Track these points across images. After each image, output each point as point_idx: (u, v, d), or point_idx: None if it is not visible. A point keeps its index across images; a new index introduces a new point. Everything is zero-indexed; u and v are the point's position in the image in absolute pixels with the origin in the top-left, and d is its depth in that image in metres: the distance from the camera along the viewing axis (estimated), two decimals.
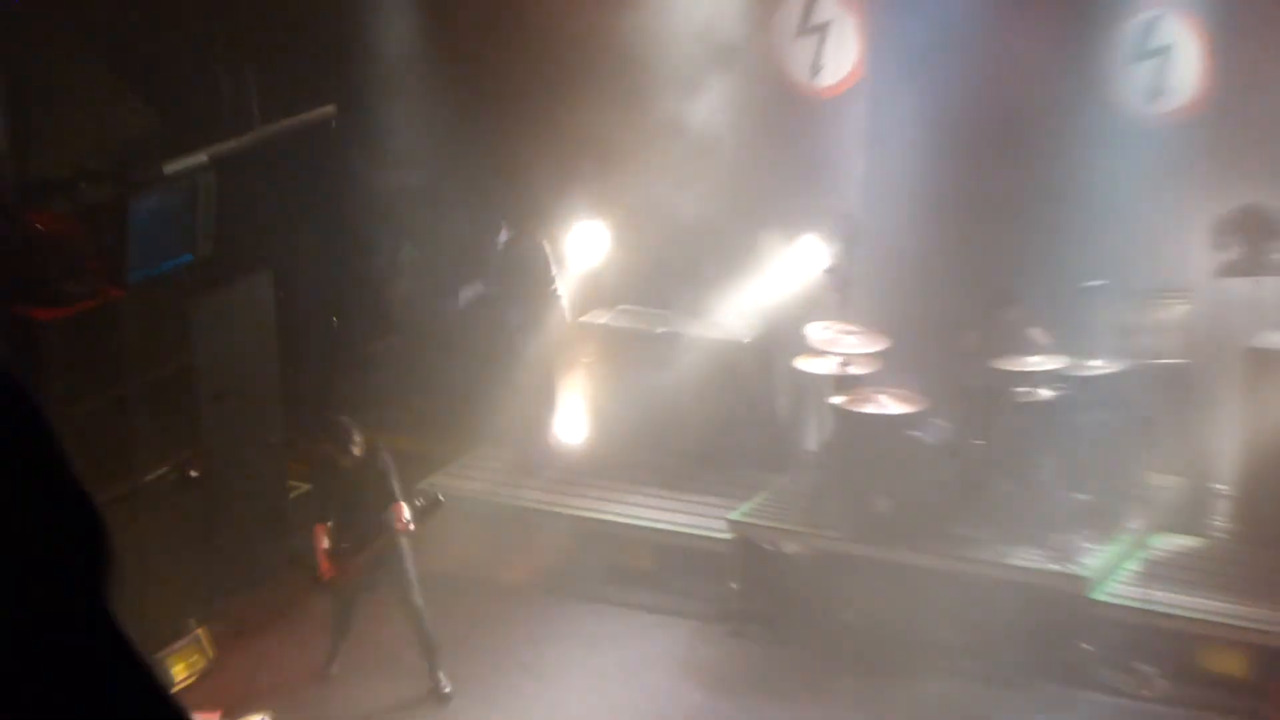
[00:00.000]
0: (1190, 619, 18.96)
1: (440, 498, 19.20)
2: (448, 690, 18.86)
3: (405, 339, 23.75)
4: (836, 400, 20.32)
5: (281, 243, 22.17)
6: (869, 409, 19.92)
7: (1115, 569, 19.52)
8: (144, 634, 18.86)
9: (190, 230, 19.81)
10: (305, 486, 22.23)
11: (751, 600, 20.39)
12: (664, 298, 22.53)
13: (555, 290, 22.34)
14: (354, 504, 18.65)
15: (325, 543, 18.71)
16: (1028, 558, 19.47)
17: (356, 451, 18.52)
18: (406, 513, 18.54)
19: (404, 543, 18.65)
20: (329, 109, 22.85)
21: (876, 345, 20.37)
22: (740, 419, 22.04)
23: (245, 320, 21.11)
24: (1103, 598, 19.20)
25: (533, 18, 22.22)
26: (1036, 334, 20.11)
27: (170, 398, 19.91)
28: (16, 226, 18.79)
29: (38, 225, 18.81)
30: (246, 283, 21.13)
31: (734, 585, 20.47)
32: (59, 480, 2.83)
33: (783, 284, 21.74)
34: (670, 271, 22.49)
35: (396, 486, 18.75)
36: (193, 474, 20.07)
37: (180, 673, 19.14)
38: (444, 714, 18.70)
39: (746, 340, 21.98)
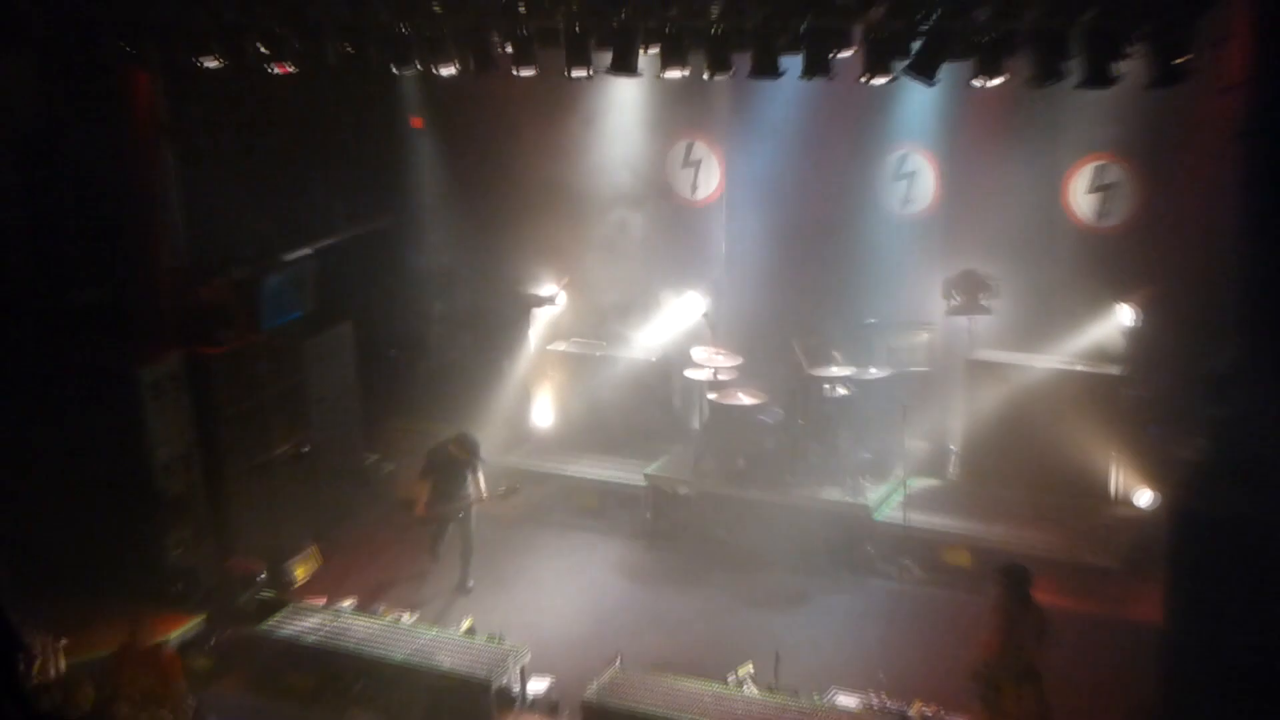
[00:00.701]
0: (934, 531, 19.12)
1: (518, 487, 19.50)
2: (471, 586, 18.95)
3: (437, 362, 23.56)
4: (711, 396, 20.41)
5: (359, 303, 22.08)
6: (731, 401, 20.08)
7: (887, 500, 19.57)
8: (278, 550, 19.20)
9: (301, 296, 20.08)
10: (376, 456, 22.33)
11: (659, 525, 20.46)
12: (600, 333, 22.43)
13: (528, 329, 22.64)
14: (452, 479, 18.77)
15: (424, 492, 18.83)
16: (832, 494, 19.56)
17: (457, 450, 18.76)
18: (485, 490, 18.91)
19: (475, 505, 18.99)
20: (389, 218, 22.97)
21: (735, 361, 20.50)
22: (650, 410, 22.06)
23: (336, 352, 21.10)
24: (879, 518, 19.27)
25: (514, 167, 22.25)
26: (835, 354, 20.20)
27: (290, 402, 20.02)
28: (190, 295, 18.99)
29: (203, 294, 19.04)
30: (337, 329, 21.11)
31: (648, 515, 20.55)
32: None
33: (675, 323, 21.83)
34: (603, 316, 22.42)
35: (483, 475, 19.01)
36: (304, 450, 20.25)
37: (300, 574, 19.27)
38: (466, 600, 18.71)
39: (654, 359, 21.93)
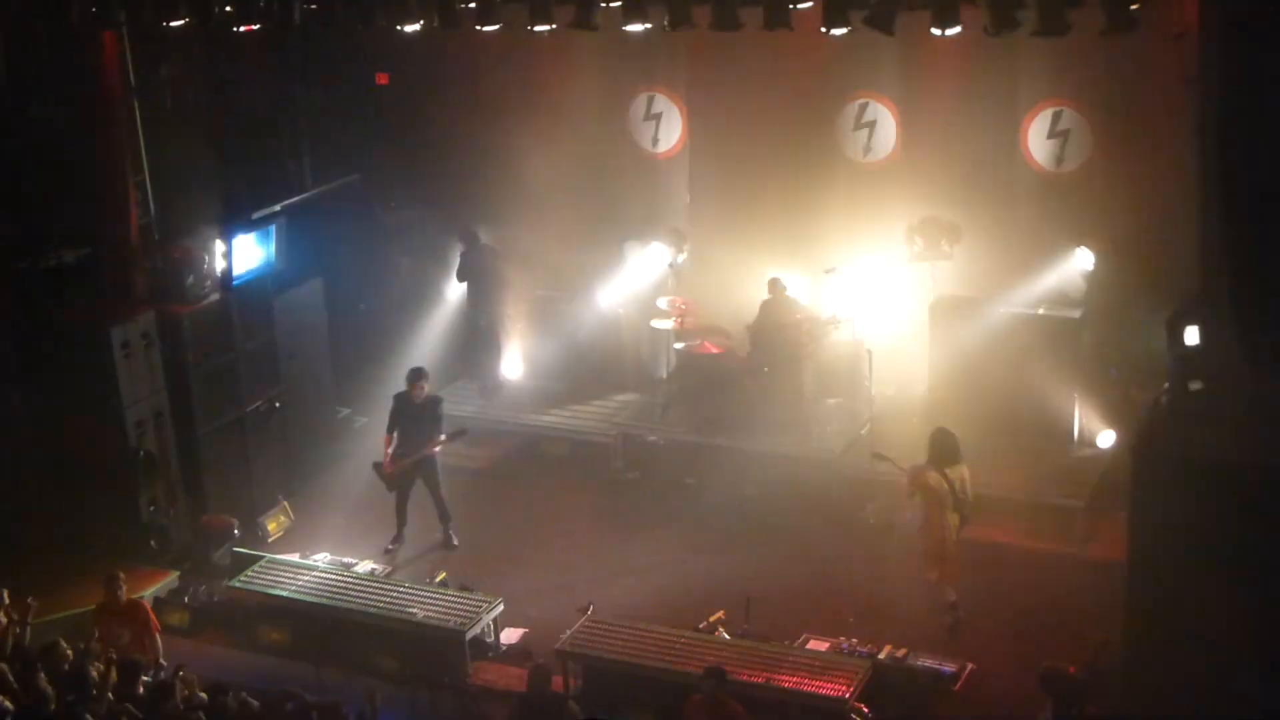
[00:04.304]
0: (900, 474, 18.81)
1: (466, 430, 19.42)
2: (456, 543, 18.94)
3: (406, 316, 23.23)
4: (678, 345, 20.53)
5: (327, 259, 21.77)
6: (698, 350, 20.14)
7: (852, 445, 19.54)
8: (251, 505, 19.21)
9: (271, 253, 19.90)
10: (347, 411, 22.35)
11: (628, 472, 20.58)
12: (568, 285, 22.25)
13: (500, 282, 22.48)
14: (412, 426, 18.66)
15: (389, 448, 18.70)
16: (798, 440, 19.62)
17: (419, 398, 18.68)
18: (441, 439, 18.74)
19: (437, 454, 18.85)
20: (354, 176, 22.80)
21: (700, 311, 20.65)
22: (619, 359, 22.03)
23: (306, 308, 21.01)
24: (844, 463, 19.28)
25: (479, 121, 22.13)
26: (800, 301, 20.27)
27: (261, 358, 19.97)
28: (162, 255, 19.10)
29: (175, 254, 19.00)
30: (307, 285, 20.94)
31: (618, 464, 20.66)
32: None
33: (641, 274, 21.70)
34: (571, 268, 22.23)
35: (442, 422, 18.89)
36: (277, 405, 20.20)
37: (273, 529, 19.30)
38: (449, 554, 18.73)
39: (622, 309, 21.84)
